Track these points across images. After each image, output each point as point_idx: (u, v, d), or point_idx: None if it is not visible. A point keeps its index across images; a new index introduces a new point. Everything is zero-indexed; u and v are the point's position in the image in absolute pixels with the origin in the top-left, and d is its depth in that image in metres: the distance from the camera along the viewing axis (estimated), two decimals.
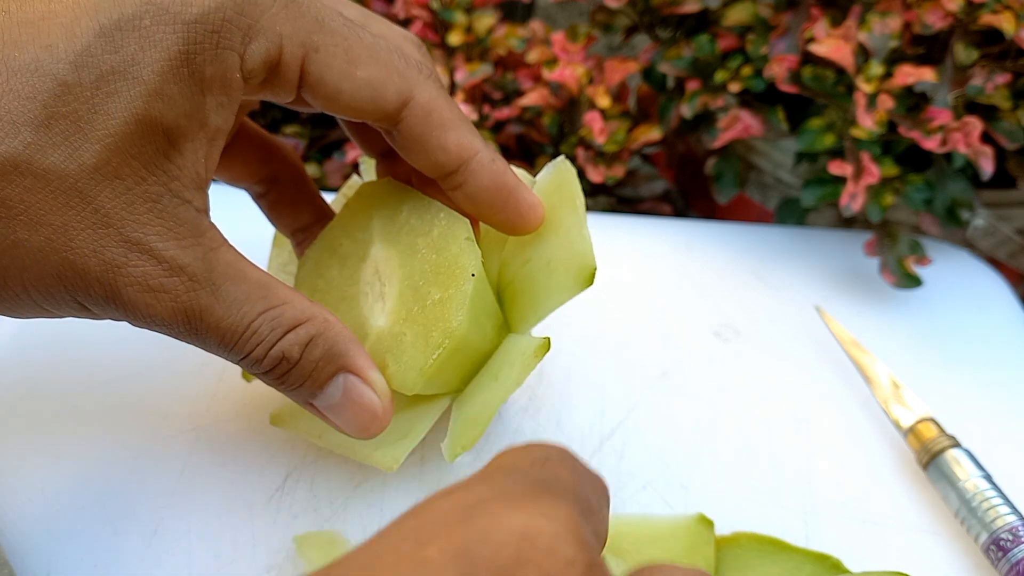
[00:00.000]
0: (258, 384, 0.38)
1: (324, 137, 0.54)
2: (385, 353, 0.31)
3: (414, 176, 0.33)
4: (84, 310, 0.26)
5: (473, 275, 0.30)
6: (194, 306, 0.26)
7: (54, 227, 0.24)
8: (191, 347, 0.40)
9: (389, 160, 0.34)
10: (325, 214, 0.36)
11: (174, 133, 0.25)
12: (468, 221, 0.31)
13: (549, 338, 0.31)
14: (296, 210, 0.36)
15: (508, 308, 0.33)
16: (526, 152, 0.54)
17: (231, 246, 0.27)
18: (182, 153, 0.26)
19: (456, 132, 0.30)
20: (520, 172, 0.33)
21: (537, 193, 0.32)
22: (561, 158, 0.33)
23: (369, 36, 0.29)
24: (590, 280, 0.31)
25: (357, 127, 0.34)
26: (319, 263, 0.34)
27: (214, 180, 0.29)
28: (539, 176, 0.33)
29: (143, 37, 0.25)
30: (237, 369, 0.39)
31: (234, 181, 0.35)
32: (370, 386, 0.29)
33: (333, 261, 0.33)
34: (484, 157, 0.30)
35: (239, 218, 0.38)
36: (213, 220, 0.28)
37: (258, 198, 0.36)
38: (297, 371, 0.28)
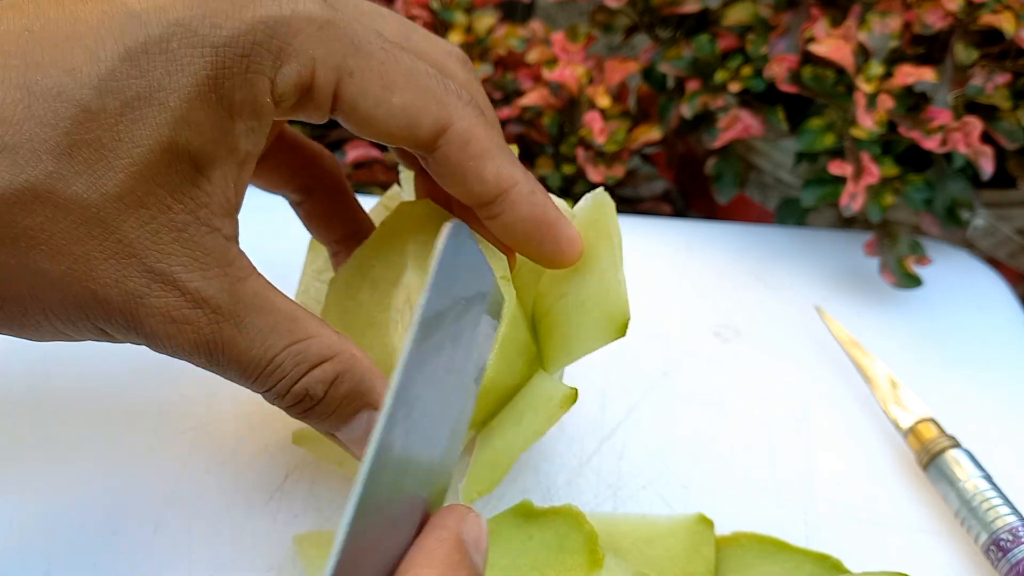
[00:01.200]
0: None
1: (324, 137, 0.54)
2: None
3: (454, 201, 0.32)
4: (105, 335, 0.26)
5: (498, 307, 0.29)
6: (217, 338, 0.25)
7: (75, 257, 0.24)
8: None
9: (427, 175, 0.33)
10: (363, 227, 0.35)
11: (201, 160, 0.25)
12: (505, 258, 0.30)
13: (576, 389, 0.30)
14: (332, 222, 0.35)
15: (542, 341, 0.33)
16: (526, 152, 0.54)
17: (259, 275, 0.27)
18: (210, 180, 0.25)
19: (495, 162, 0.28)
20: (559, 203, 0.32)
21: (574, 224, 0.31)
22: (600, 190, 0.32)
23: (408, 59, 0.28)
24: (622, 331, 0.30)
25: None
26: (350, 284, 0.33)
27: (251, 184, 0.28)
28: (577, 207, 0.32)
29: (170, 61, 0.24)
30: None
31: (270, 187, 0.34)
32: None
33: (364, 283, 0.33)
34: (523, 188, 0.29)
35: (280, 221, 0.37)
36: (253, 223, 0.27)
37: (295, 206, 0.35)
38: (321, 408, 0.27)
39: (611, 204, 0.31)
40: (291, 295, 0.32)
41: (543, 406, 0.31)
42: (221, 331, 0.25)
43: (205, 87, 0.24)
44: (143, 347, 0.25)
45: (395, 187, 0.35)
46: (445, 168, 0.29)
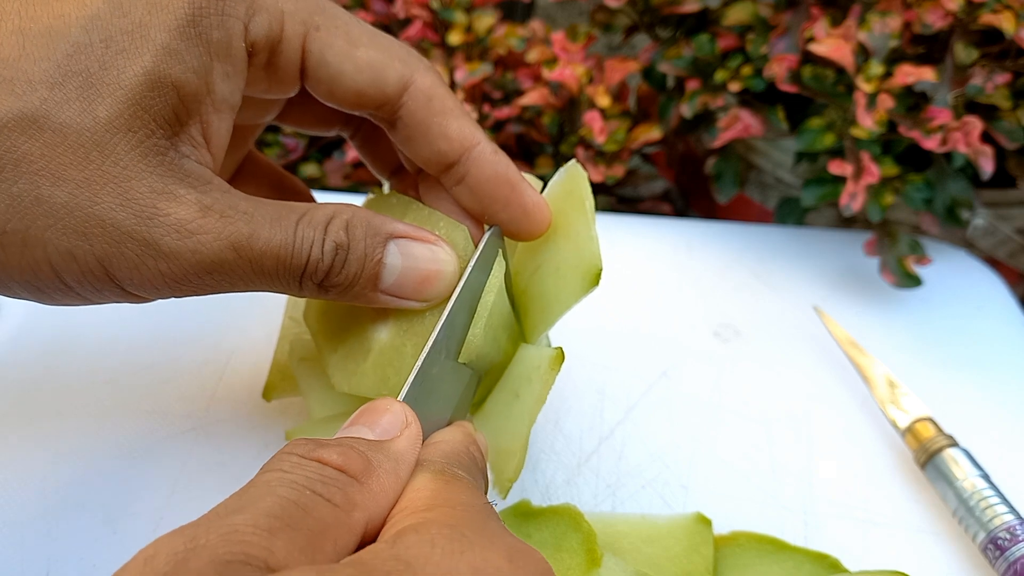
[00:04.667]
0: (257, 385, 0.38)
1: (323, 136, 0.54)
2: (387, 366, 0.31)
3: (421, 183, 0.33)
4: (106, 279, 0.26)
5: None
6: (238, 236, 0.26)
7: (76, 182, 0.24)
8: (190, 347, 0.40)
9: (400, 178, 0.35)
10: None
11: (184, 89, 0.26)
12: (466, 229, 0.31)
13: (561, 348, 0.30)
14: None
15: (522, 316, 0.33)
16: (526, 152, 0.54)
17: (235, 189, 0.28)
18: (189, 112, 0.26)
19: (458, 121, 0.30)
20: (528, 177, 0.32)
21: (547, 197, 0.32)
22: (572, 162, 0.32)
23: (368, 25, 0.29)
24: (595, 281, 0.31)
25: (368, 146, 0.35)
26: None
27: None
28: (551, 180, 0.33)
29: (150, 3, 0.26)
30: (237, 369, 0.39)
31: None
32: (422, 240, 0.29)
33: None
34: (486, 148, 0.30)
35: None
36: None
37: None
38: (353, 257, 0.28)
39: (583, 174, 0.32)
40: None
41: (535, 375, 0.31)
42: (238, 229, 0.26)
43: (184, 23, 0.26)
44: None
45: (370, 195, 0.36)
46: (411, 127, 0.30)
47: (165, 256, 0.25)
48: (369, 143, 0.35)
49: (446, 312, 0.28)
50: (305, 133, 0.40)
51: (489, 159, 0.30)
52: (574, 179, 0.32)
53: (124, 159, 0.25)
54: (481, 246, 0.30)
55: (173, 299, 0.27)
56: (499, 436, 0.31)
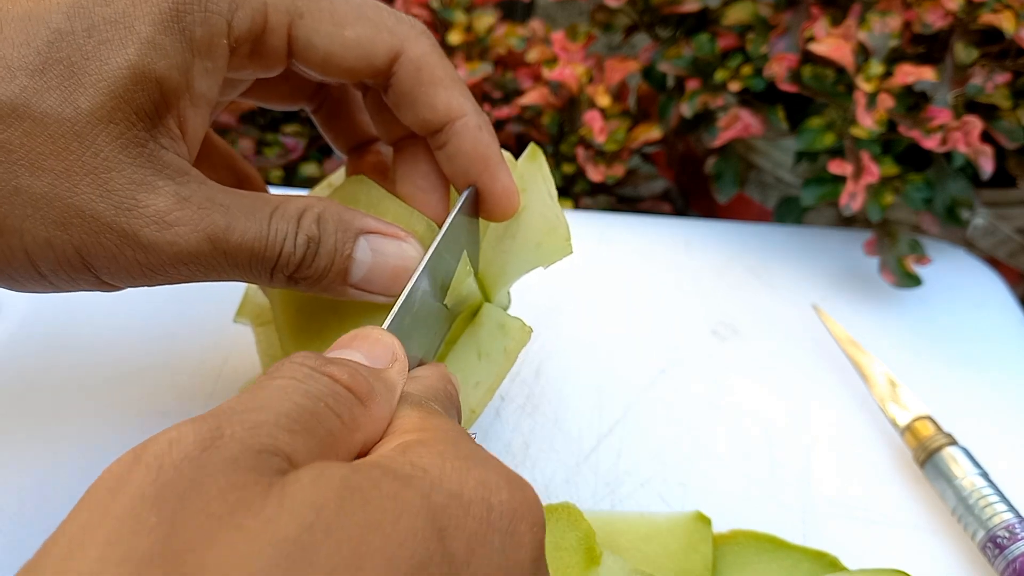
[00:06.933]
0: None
1: (319, 139, 0.54)
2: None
3: (398, 152, 0.34)
4: (83, 268, 0.26)
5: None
6: (214, 228, 0.26)
7: (56, 172, 0.24)
8: (189, 345, 0.40)
9: (359, 155, 0.35)
10: None
11: (166, 84, 0.26)
12: (428, 219, 0.31)
13: (528, 325, 0.31)
14: None
15: (489, 286, 0.34)
16: None
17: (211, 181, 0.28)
18: (168, 106, 0.26)
19: (447, 91, 0.30)
20: (504, 154, 0.33)
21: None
22: (532, 144, 0.33)
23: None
24: (566, 246, 0.32)
25: (330, 121, 0.35)
26: None
27: None
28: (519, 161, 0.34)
29: None
30: (235, 368, 0.39)
31: None
32: (392, 236, 0.29)
33: None
34: (471, 121, 0.30)
35: None
36: None
37: None
38: (324, 250, 0.28)
39: (540, 152, 0.33)
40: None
41: (504, 343, 0.31)
42: (215, 221, 0.26)
43: (167, 16, 0.26)
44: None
45: (327, 179, 0.37)
46: (399, 95, 0.30)
47: (143, 247, 0.25)
48: (332, 118, 0.35)
49: (431, 250, 0.29)
50: (269, 109, 0.41)
51: (470, 134, 0.30)
52: (533, 157, 0.33)
53: (104, 150, 0.25)
54: (461, 200, 0.30)
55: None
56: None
